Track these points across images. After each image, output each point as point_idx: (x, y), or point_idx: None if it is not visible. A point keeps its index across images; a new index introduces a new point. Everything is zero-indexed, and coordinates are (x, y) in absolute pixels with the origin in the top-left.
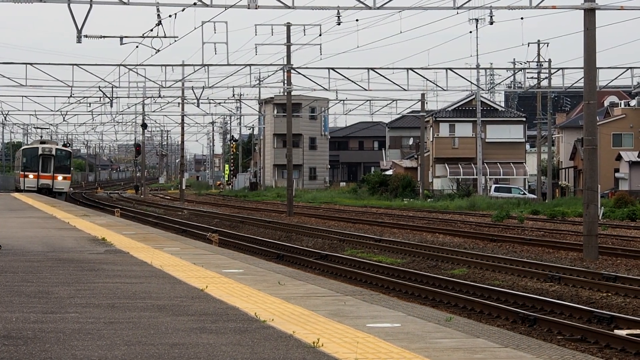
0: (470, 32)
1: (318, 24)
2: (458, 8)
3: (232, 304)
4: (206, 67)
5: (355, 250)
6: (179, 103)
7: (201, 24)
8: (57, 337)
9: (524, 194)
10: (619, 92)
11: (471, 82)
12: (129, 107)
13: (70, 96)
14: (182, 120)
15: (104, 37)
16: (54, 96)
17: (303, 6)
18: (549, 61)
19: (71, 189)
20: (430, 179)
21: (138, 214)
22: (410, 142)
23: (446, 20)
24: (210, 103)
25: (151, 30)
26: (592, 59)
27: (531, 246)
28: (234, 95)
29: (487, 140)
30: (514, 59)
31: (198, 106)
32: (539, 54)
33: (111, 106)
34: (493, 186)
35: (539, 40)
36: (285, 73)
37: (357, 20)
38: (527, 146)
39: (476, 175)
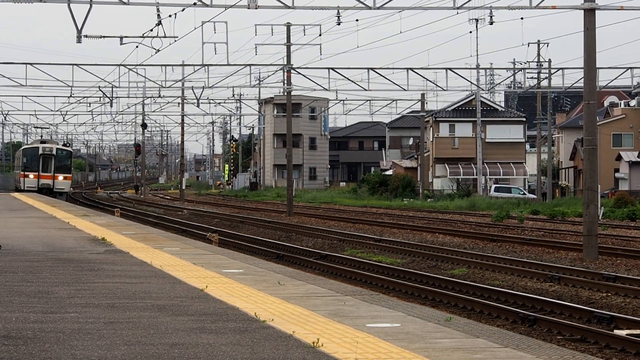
0: (470, 32)
1: (318, 24)
2: (458, 8)
3: (232, 304)
4: (206, 67)
5: (355, 250)
6: (179, 103)
7: (201, 24)
8: (57, 337)
9: (524, 194)
10: (619, 92)
11: (471, 82)
12: (128, 107)
13: (70, 96)
14: (182, 120)
15: (104, 37)
16: (54, 96)
17: (303, 6)
18: (549, 61)
19: (71, 189)
20: (430, 179)
21: (138, 213)
22: (410, 142)
23: (446, 20)
24: (210, 103)
25: (151, 30)
26: (592, 59)
27: (531, 246)
28: (233, 95)
29: (487, 140)
30: (514, 59)
31: (198, 106)
32: (539, 54)
33: (111, 106)
34: (493, 186)
35: (539, 40)
36: (285, 73)
37: (357, 20)
38: (527, 146)
39: (476, 175)
